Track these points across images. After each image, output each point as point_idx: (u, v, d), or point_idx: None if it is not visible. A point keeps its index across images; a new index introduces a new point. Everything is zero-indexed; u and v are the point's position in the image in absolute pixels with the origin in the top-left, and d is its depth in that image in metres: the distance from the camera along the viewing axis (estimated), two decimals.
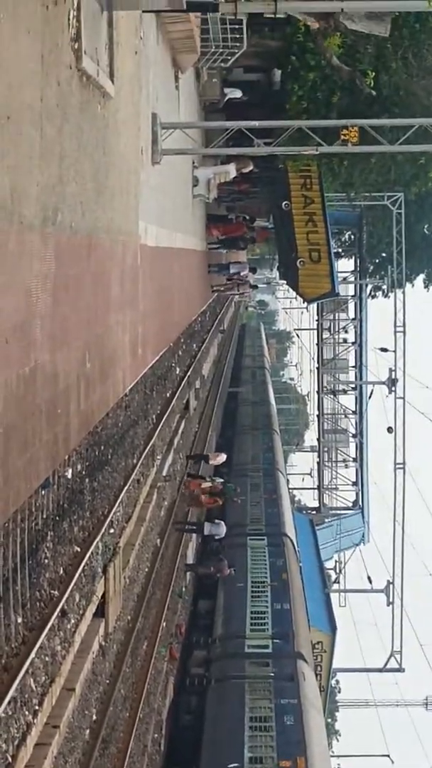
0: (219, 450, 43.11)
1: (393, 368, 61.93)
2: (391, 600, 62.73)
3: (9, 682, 10.53)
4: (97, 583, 16.18)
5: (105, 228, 13.88)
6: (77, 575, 13.94)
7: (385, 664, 63.16)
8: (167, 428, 27.99)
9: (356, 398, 72.46)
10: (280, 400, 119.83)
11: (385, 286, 65.62)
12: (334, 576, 69.39)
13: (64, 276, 10.95)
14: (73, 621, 14.14)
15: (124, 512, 19.58)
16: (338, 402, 74.61)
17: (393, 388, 61.85)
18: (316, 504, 77.44)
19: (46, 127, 9.78)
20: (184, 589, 29.99)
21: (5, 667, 10.69)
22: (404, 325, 61.17)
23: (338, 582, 69.27)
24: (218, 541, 33.88)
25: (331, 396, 73.62)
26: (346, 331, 73.29)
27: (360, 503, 73.45)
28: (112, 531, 17.84)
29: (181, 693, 26.29)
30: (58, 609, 12.69)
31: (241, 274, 46.63)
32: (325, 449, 75.26)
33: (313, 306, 68.85)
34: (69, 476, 13.88)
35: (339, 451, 75.69)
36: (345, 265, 70.60)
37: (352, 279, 69.50)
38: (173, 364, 30.54)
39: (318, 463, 76.04)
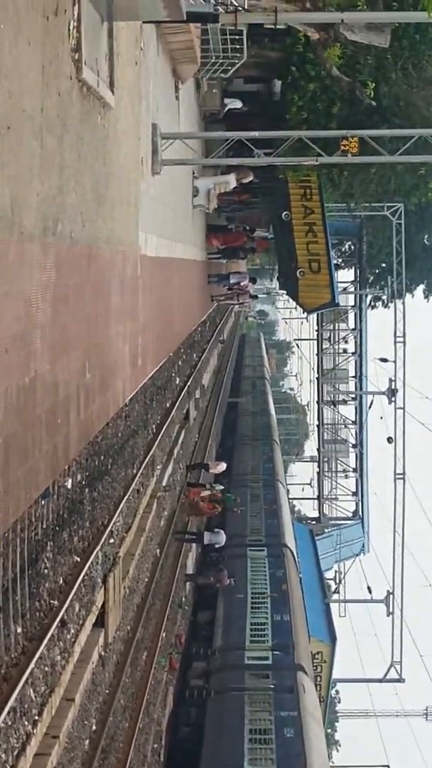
0: (219, 460, 43.08)
1: (393, 378, 61.98)
2: (391, 610, 62.69)
3: (9, 692, 10.52)
4: (96, 593, 16.17)
5: (105, 238, 13.90)
6: (77, 585, 13.93)
7: (385, 675, 63.09)
8: (167, 438, 27.98)
9: (356, 408, 72.48)
10: (280, 410, 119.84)
11: (385, 297, 65.66)
12: (334, 586, 69.34)
13: (64, 286, 10.96)
14: (72, 631, 14.12)
15: (124, 522, 19.57)
16: (338, 412, 74.62)
17: (393, 399, 61.87)
18: (316, 514, 77.43)
19: (47, 138, 9.79)
20: (183, 599, 29.96)
21: (5, 677, 10.68)
22: (404, 336, 61.21)
23: (338, 592, 69.23)
24: (218, 551, 33.86)
25: (331, 406, 73.61)
26: (346, 342, 73.34)
27: (360, 513, 73.42)
28: (111, 541, 17.83)
29: (180, 705, 26.22)
30: (58, 619, 12.68)
31: (241, 284, 46.62)
32: (325, 459, 75.27)
33: (313, 316, 68.90)
34: (69, 486, 13.87)
35: (339, 461, 75.69)
36: (345, 276, 70.69)
37: (352, 289, 69.55)
38: (173, 374, 30.54)
39: (318, 473, 76.06)
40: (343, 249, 70.27)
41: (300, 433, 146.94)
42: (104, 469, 17.09)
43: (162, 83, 22.88)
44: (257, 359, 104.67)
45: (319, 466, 75.88)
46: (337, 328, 72.71)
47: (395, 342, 61.52)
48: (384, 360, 62.63)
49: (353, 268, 69.71)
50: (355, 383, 72.35)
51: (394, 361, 61.58)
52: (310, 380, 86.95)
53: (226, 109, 37.67)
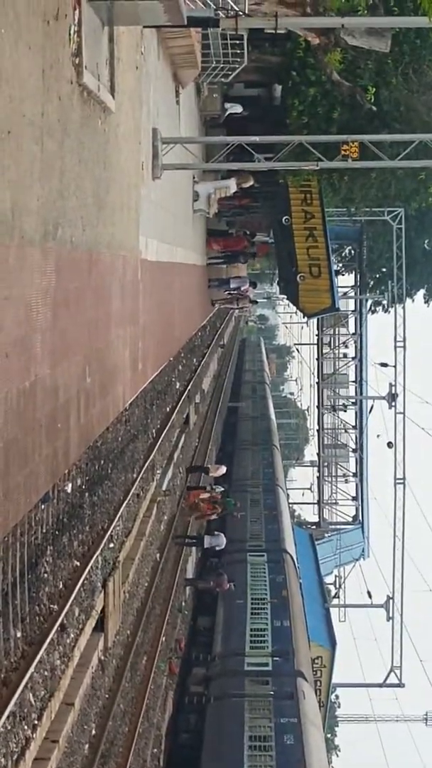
0: (219, 464, 43.05)
1: (393, 383, 61.97)
2: (390, 615, 62.64)
3: (8, 697, 10.52)
4: (96, 597, 16.16)
5: (105, 243, 13.90)
6: (77, 590, 13.92)
7: (385, 679, 63.00)
8: (167, 443, 27.97)
9: (356, 413, 72.47)
10: (280, 415, 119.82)
11: (385, 301, 65.63)
12: (333, 591, 69.31)
13: (65, 291, 10.96)
14: (72, 635, 14.11)
15: (124, 527, 19.56)
16: (338, 417, 74.61)
17: (393, 403, 61.87)
18: (316, 519, 77.36)
19: (47, 142, 9.80)
20: (183, 603, 29.94)
21: (4, 682, 10.67)
22: (404, 341, 61.17)
23: (338, 597, 69.22)
24: (218, 556, 33.85)
25: (331, 411, 73.60)
26: (346, 346, 73.30)
27: (360, 518, 73.39)
28: (111, 545, 17.82)
29: (180, 711, 26.16)
30: (58, 623, 12.67)
31: (242, 288, 46.62)
32: (325, 464, 75.22)
33: (313, 321, 68.84)
34: (69, 490, 13.87)
35: (339, 466, 75.69)
36: (345, 280, 70.68)
37: (353, 294, 69.53)
38: (173, 379, 30.53)
39: (318, 477, 76.00)
40: (343, 254, 70.26)
41: (300, 437, 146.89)
42: (104, 473, 17.08)
43: (163, 88, 22.89)
44: (257, 364, 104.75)
45: (319, 471, 75.84)
46: (337, 332, 72.69)
47: (395, 347, 61.50)
48: (384, 365, 62.60)
49: (353, 272, 69.73)
50: (356, 388, 72.38)
51: (395, 366, 61.57)
52: (311, 385, 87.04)
53: (227, 113, 37.69)
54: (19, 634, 11.23)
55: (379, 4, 23.07)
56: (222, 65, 30.65)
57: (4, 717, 10.23)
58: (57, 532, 13.18)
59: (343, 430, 75.34)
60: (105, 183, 13.64)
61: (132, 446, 20.81)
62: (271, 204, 50.53)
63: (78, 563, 14.56)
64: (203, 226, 39.05)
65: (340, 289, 59.49)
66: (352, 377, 73.20)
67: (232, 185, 33.99)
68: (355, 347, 70.89)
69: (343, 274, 68.99)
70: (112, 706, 17.89)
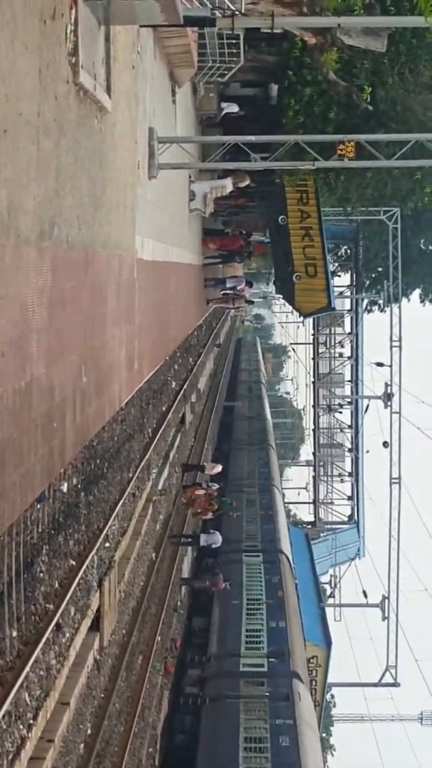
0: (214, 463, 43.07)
1: (389, 383, 61.98)
2: (386, 614, 62.70)
3: (3, 696, 10.52)
4: (92, 597, 16.16)
5: (101, 242, 13.90)
6: (72, 589, 13.92)
7: (381, 679, 63.11)
8: (163, 442, 27.98)
9: (352, 413, 72.50)
10: (276, 415, 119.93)
11: (381, 301, 65.71)
12: (329, 590, 69.31)
13: (61, 290, 10.96)
14: (68, 635, 14.12)
15: (120, 526, 19.57)
16: (334, 416, 74.62)
17: (389, 403, 61.89)
18: (311, 518, 77.39)
19: (43, 142, 9.79)
20: (179, 603, 29.92)
21: (0, 681, 10.68)
22: (400, 340, 61.20)
23: (333, 596, 69.26)
24: (213, 556, 33.84)
25: (327, 411, 73.61)
26: (342, 346, 73.34)
27: (355, 518, 73.41)
28: (107, 545, 17.83)
29: (175, 712, 26.10)
30: (53, 623, 12.67)
31: (238, 288, 46.60)
32: (321, 463, 75.23)
33: (309, 320, 68.83)
34: (64, 490, 13.87)
35: (335, 466, 75.71)
36: (341, 280, 70.74)
37: (349, 293, 69.56)
38: (169, 378, 30.54)
39: (314, 477, 76.01)
40: (339, 253, 70.29)
41: (296, 437, 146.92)
42: (100, 472, 17.09)
43: (159, 87, 22.89)
44: (253, 363, 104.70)
45: (314, 471, 75.85)
46: (333, 332, 72.70)
47: (391, 346, 61.54)
48: (380, 364, 62.66)
49: (349, 272, 69.76)
50: (351, 387, 72.43)
51: (390, 366, 61.61)
52: (306, 384, 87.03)
53: (223, 113, 37.68)
54: (14, 634, 11.23)
55: (375, 4, 23.02)
56: (218, 65, 30.66)
57: None
58: (53, 532, 13.18)
59: (338, 430, 75.36)
60: (101, 182, 13.64)
61: (128, 445, 20.82)
62: (267, 203, 50.52)
63: (74, 562, 14.57)
64: (199, 226, 39.04)
65: (336, 289, 59.55)
66: (347, 377, 73.26)
67: (228, 185, 33.97)
68: (351, 347, 70.93)
69: (339, 276, 69.01)
70: (107, 706, 17.90)
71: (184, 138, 27.38)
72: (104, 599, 17.10)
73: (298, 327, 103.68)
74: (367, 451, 69.33)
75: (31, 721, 11.74)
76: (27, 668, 11.29)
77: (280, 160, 25.45)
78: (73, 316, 11.82)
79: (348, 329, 71.57)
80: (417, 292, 66.72)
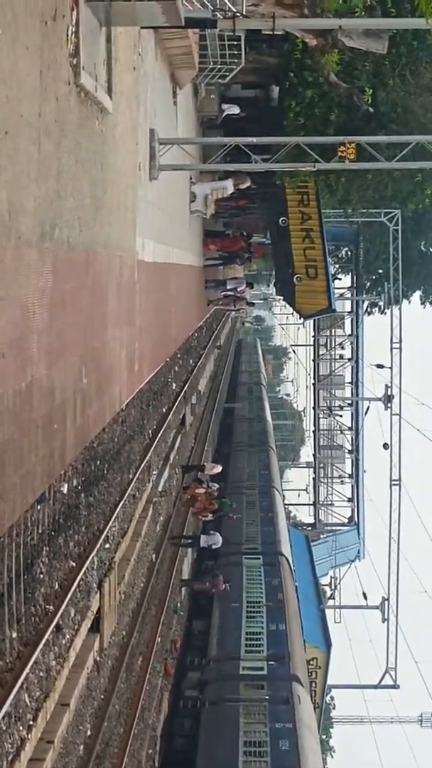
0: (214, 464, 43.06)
1: (389, 385, 61.98)
2: (386, 616, 62.67)
3: (3, 697, 10.52)
4: (92, 598, 16.16)
5: (102, 243, 13.90)
6: (72, 590, 13.92)
7: (380, 681, 63.06)
8: (163, 443, 27.98)
9: (352, 414, 72.49)
10: (276, 416, 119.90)
11: (381, 303, 65.67)
12: (329, 592, 69.28)
13: (61, 291, 10.96)
14: (68, 636, 14.12)
15: (120, 527, 19.57)
16: (334, 418, 74.61)
17: (389, 405, 61.89)
18: (311, 520, 77.39)
19: (44, 143, 9.79)
20: (179, 604, 29.89)
21: (0, 682, 10.67)
22: (400, 342, 61.18)
23: (333, 598, 69.23)
24: (213, 558, 33.81)
25: (327, 413, 73.61)
26: (342, 348, 73.32)
27: (356, 519, 73.39)
28: (107, 546, 17.83)
29: (174, 715, 26.02)
30: (53, 624, 12.67)
31: (238, 289, 46.60)
32: (321, 465, 75.22)
33: (310, 322, 68.83)
34: (65, 491, 13.87)
35: (335, 467, 75.71)
36: (342, 282, 70.75)
37: (349, 295, 69.56)
38: (170, 380, 30.55)
39: (314, 478, 75.98)
40: (340, 255, 70.32)
41: (296, 438, 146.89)
42: (100, 474, 17.09)
43: (160, 88, 22.89)
44: (254, 365, 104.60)
45: (315, 472, 75.83)
46: (333, 334, 72.68)
47: (392, 348, 61.53)
48: (380, 366, 62.65)
49: (350, 274, 69.76)
50: (352, 389, 72.42)
51: (391, 368, 61.60)
52: (307, 386, 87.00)
53: (224, 114, 37.70)
54: (14, 635, 11.23)
55: (376, 6, 23.03)
56: (219, 66, 30.66)
57: None
58: (53, 533, 13.18)
59: (339, 432, 75.36)
60: (102, 183, 13.64)
61: (128, 447, 20.82)
62: (268, 205, 50.54)
63: (74, 564, 14.56)
64: (200, 227, 39.06)
65: (336, 291, 59.54)
66: (348, 379, 73.25)
67: (229, 186, 33.99)
68: (352, 349, 70.91)
69: (339, 278, 69.00)
70: (107, 707, 17.90)
71: (185, 139, 27.39)
72: (104, 600, 17.10)
73: (299, 329, 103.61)
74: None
75: (31, 722, 11.74)
76: (27, 669, 11.29)
77: (280, 161, 25.45)
78: (74, 317, 11.82)
79: (348, 331, 71.56)
80: (417, 293, 66.75)
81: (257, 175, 36.07)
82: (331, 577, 70.58)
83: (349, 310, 70.05)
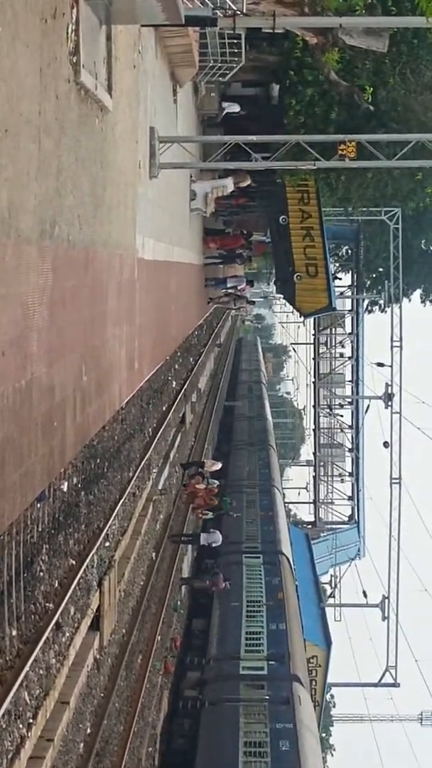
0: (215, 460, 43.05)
1: (389, 383, 61.97)
2: (386, 615, 62.67)
3: (3, 695, 10.51)
4: (92, 596, 16.16)
5: (102, 241, 13.90)
6: (72, 588, 13.92)
7: (380, 679, 63.07)
8: (163, 442, 27.98)
9: (352, 413, 72.47)
10: (277, 414, 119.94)
11: (382, 301, 65.66)
12: (329, 590, 69.29)
13: (61, 289, 10.96)
14: (67, 634, 14.11)
15: (120, 525, 19.57)
16: (334, 417, 74.59)
17: (389, 403, 61.88)
18: (311, 518, 77.37)
19: (44, 141, 9.79)
20: (179, 602, 29.87)
21: (0, 680, 10.67)
22: (401, 340, 61.17)
23: (333, 596, 69.23)
24: (213, 556, 33.80)
25: (327, 410, 73.58)
26: (342, 346, 73.29)
27: (356, 518, 73.38)
28: (107, 544, 17.83)
29: (174, 715, 25.95)
30: (53, 622, 12.67)
31: (238, 288, 46.62)
32: (321, 463, 75.20)
33: (310, 320, 68.82)
34: (65, 489, 13.87)
35: (335, 466, 75.69)
36: (342, 280, 70.70)
37: (349, 293, 69.53)
38: (170, 378, 30.54)
39: (314, 477, 75.97)
40: (340, 253, 70.29)
41: (296, 437, 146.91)
42: (100, 472, 17.09)
43: (160, 87, 22.89)
44: (254, 363, 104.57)
45: (315, 471, 75.81)
46: (333, 332, 72.64)
47: (392, 347, 61.52)
48: (381, 364, 62.62)
49: (350, 272, 69.73)
50: (352, 388, 72.39)
51: (391, 366, 61.60)
52: (307, 384, 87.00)
53: (224, 113, 37.70)
54: (14, 633, 11.23)
55: (376, 4, 23.02)
56: (220, 64, 30.67)
57: None
58: (53, 531, 13.18)
59: (339, 430, 75.34)
60: (102, 181, 13.64)
61: (128, 445, 20.81)
62: (268, 203, 50.52)
63: (73, 562, 14.56)
64: (200, 225, 39.06)
65: (336, 289, 59.51)
66: (348, 377, 73.20)
67: (229, 184, 33.97)
68: (352, 347, 70.87)
69: (339, 278, 68.94)
70: (107, 705, 17.90)
71: (185, 138, 27.39)
72: (104, 599, 17.10)
73: (299, 327, 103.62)
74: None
75: (31, 720, 11.74)
76: (27, 667, 11.29)
77: (281, 160, 25.44)
78: (74, 315, 11.82)
79: (349, 329, 71.49)
80: (418, 292, 66.74)
81: (257, 174, 36.06)
82: (331, 576, 70.59)
83: (350, 308, 70.01)
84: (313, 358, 74.16)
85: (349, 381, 73.00)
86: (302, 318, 64.18)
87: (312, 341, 76.30)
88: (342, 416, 74.46)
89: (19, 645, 11.41)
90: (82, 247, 12.27)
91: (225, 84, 36.20)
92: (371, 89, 32.07)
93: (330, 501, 76.10)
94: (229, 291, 46.86)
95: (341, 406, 74.60)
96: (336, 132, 31.48)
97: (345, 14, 20.95)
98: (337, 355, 73.81)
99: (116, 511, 18.30)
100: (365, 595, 65.12)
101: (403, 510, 62.38)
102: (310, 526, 74.64)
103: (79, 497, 15.09)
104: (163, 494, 27.50)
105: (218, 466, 37.83)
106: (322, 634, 51.65)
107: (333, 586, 70.09)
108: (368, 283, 68.30)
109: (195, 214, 33.75)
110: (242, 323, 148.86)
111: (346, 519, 74.69)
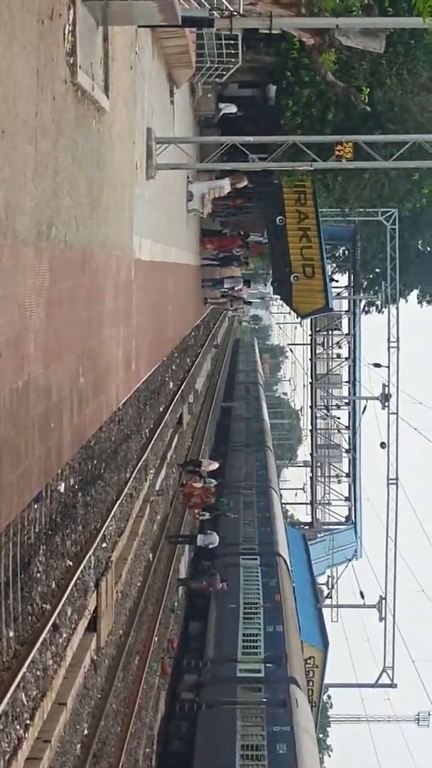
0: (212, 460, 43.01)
1: (386, 384, 62.00)
2: (383, 615, 62.70)
3: (0, 696, 10.51)
4: (89, 597, 16.15)
5: (99, 242, 13.90)
6: (69, 589, 13.91)
7: (377, 680, 63.09)
8: (160, 442, 27.97)
9: (349, 413, 72.50)
10: (274, 415, 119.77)
11: (379, 302, 65.77)
12: (326, 591, 69.30)
13: (58, 290, 10.96)
14: (65, 635, 14.11)
15: (117, 526, 19.56)
16: (331, 417, 74.62)
17: (386, 404, 61.91)
18: (308, 519, 77.40)
19: (41, 142, 9.79)
20: (176, 603, 29.84)
21: None
22: (398, 341, 61.27)
23: (331, 597, 69.22)
24: (210, 558, 33.78)
25: (325, 411, 73.61)
26: (339, 347, 73.32)
27: (353, 518, 73.42)
28: (104, 545, 17.82)
29: (171, 718, 25.88)
30: (50, 623, 12.67)
31: (235, 288, 46.60)
32: (318, 464, 75.21)
33: (307, 321, 68.86)
34: (62, 490, 13.87)
35: (332, 467, 75.70)
36: (339, 281, 70.78)
37: (346, 294, 69.57)
38: (166, 379, 30.53)
39: (311, 477, 75.98)
40: (337, 254, 70.32)
41: (293, 437, 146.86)
42: (97, 473, 17.08)
43: (157, 87, 22.88)
44: (251, 364, 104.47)
45: (312, 471, 75.82)
46: (330, 333, 72.67)
47: (389, 347, 61.61)
48: (377, 365, 62.67)
49: (347, 273, 69.78)
50: (349, 388, 72.42)
51: (388, 367, 61.66)
52: (304, 385, 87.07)
53: (221, 113, 37.72)
54: (11, 634, 11.23)
55: (373, 5, 23.02)
56: (216, 65, 30.65)
57: None
58: (50, 532, 13.18)
59: (336, 431, 75.36)
60: (99, 182, 13.64)
61: (125, 446, 20.81)
62: (265, 204, 50.56)
63: (71, 563, 14.56)
64: (197, 226, 39.05)
65: (333, 290, 59.57)
66: (345, 377, 73.22)
67: (226, 185, 33.96)
68: (349, 348, 70.92)
69: (336, 279, 69.00)
70: (104, 706, 17.89)
71: (182, 138, 27.40)
72: (101, 599, 17.09)
73: (296, 328, 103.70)
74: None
75: (28, 722, 11.73)
76: (24, 668, 11.29)
77: (278, 160, 25.45)
78: (71, 316, 11.82)
79: (345, 330, 71.56)
80: (414, 293, 66.86)
81: (254, 174, 36.05)
82: (328, 576, 70.53)
83: (347, 309, 70.07)
84: (310, 359, 74.20)
85: (346, 382, 73.02)
86: (299, 319, 64.28)
87: (309, 342, 76.32)
88: (339, 417, 74.53)
89: (16, 646, 11.40)
90: (79, 248, 12.26)
91: (222, 85, 36.19)
92: (368, 90, 32.03)
93: (327, 502, 76.14)
94: (226, 292, 46.83)
95: (338, 406, 74.67)
96: (333, 133, 31.48)
97: (342, 15, 20.96)
98: (334, 356, 73.86)
99: (113, 512, 18.29)
100: (362, 596, 65.15)
101: (400, 511, 62.49)
102: (307, 527, 74.69)
103: (76, 498, 15.09)
104: (160, 495, 27.50)
105: (215, 465, 37.83)
106: (319, 635, 51.69)
107: (330, 586, 70.05)
108: (365, 283, 68.37)
109: (192, 215, 33.75)
110: (239, 324, 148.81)
111: (343, 520, 74.73)
